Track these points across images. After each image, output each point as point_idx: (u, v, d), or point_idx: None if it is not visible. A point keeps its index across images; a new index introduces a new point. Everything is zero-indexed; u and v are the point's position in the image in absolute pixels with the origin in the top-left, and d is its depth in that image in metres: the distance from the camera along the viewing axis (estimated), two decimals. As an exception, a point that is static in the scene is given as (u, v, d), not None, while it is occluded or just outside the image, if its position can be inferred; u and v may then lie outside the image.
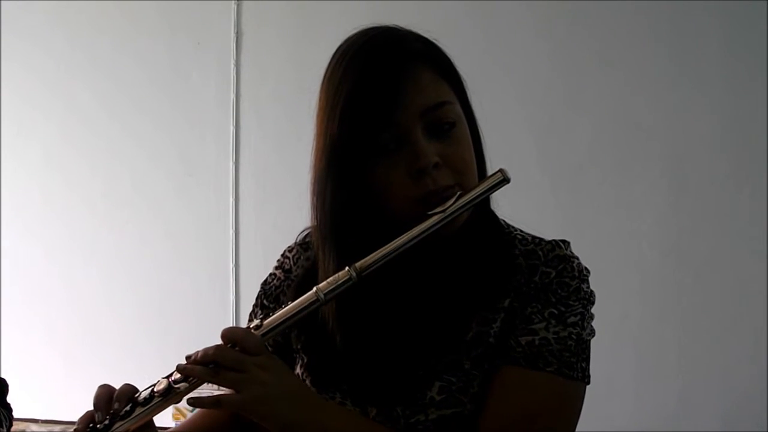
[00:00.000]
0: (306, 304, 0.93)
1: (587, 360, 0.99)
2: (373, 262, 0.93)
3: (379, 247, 0.93)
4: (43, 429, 2.85)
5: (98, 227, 3.12)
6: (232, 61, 3.01)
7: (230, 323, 2.89)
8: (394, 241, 0.93)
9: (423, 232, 0.93)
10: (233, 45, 3.01)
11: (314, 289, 0.93)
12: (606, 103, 2.71)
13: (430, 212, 0.94)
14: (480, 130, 1.02)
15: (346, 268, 0.93)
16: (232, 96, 3.01)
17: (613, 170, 2.71)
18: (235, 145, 3.00)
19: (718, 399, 2.61)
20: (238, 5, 3.01)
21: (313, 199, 1.01)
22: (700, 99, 2.64)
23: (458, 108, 0.98)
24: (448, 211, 0.93)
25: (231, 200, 3.00)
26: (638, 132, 2.69)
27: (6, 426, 1.37)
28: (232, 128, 3.01)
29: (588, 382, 0.99)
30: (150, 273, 3.07)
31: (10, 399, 1.43)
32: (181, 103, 3.07)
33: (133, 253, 3.09)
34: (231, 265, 2.99)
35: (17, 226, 3.19)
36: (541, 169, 2.65)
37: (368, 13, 2.74)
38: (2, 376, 1.45)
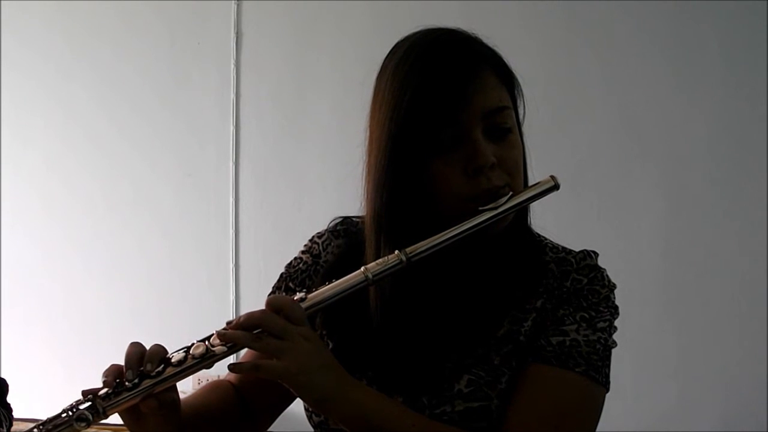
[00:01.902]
0: (353, 282, 0.95)
1: (609, 367, 1.01)
2: (424, 249, 0.95)
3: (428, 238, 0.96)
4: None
5: (98, 228, 3.11)
6: (232, 61, 3.01)
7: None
8: (446, 232, 0.96)
9: (474, 226, 0.96)
10: (233, 45, 3.01)
11: (362, 268, 0.95)
12: (606, 105, 2.71)
13: (482, 208, 0.96)
14: (525, 140, 1.04)
15: (396, 251, 0.95)
16: (232, 96, 3.01)
17: (613, 172, 2.71)
18: (234, 145, 3.00)
19: (718, 399, 2.61)
20: (238, 5, 3.01)
21: (369, 189, 1.02)
22: (700, 100, 2.65)
23: (514, 114, 1.01)
24: (500, 209, 0.96)
25: (231, 200, 3.00)
26: (638, 133, 2.69)
27: (6, 426, 1.36)
28: (232, 128, 3.01)
29: (608, 389, 1.01)
30: (149, 273, 3.07)
31: (10, 399, 1.43)
32: (181, 103, 3.06)
33: (132, 253, 3.08)
34: (231, 265, 2.99)
35: (17, 226, 3.18)
36: (541, 170, 2.64)
37: (367, 13, 2.76)
38: (2, 376, 1.45)
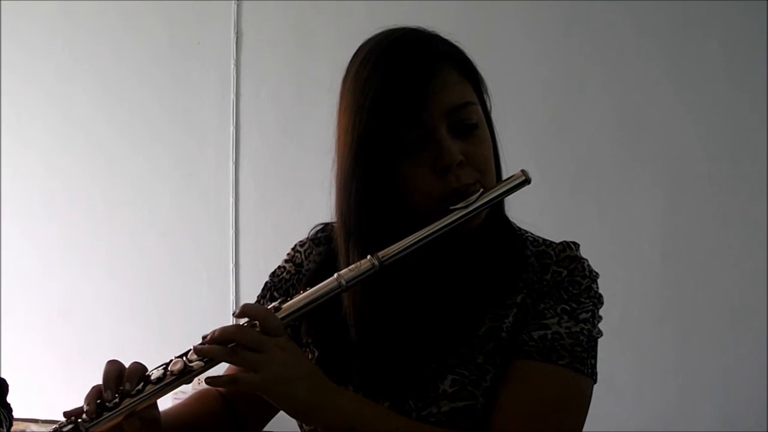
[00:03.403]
0: (326, 289, 0.94)
1: (595, 358, 1.00)
2: (396, 252, 0.94)
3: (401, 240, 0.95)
4: (43, 429, 2.85)
5: (98, 228, 3.12)
6: (232, 61, 3.01)
7: (230, 323, 2.88)
8: (417, 233, 0.95)
9: (445, 226, 0.95)
10: (233, 45, 3.01)
11: (335, 275, 0.94)
12: (606, 104, 2.71)
13: (452, 207, 0.95)
14: (496, 133, 1.03)
15: (368, 256, 0.94)
16: (232, 96, 3.01)
17: (613, 171, 2.71)
18: (234, 145, 3.01)
19: (718, 399, 2.61)
20: (238, 5, 3.01)
21: (337, 194, 1.02)
22: (700, 100, 2.65)
23: (480, 109, 1.00)
24: (471, 207, 0.95)
25: (231, 200, 3.00)
26: (638, 133, 2.69)
27: (6, 426, 1.37)
28: (232, 128, 3.01)
29: (595, 380, 1.00)
30: (149, 273, 3.07)
31: (10, 399, 1.43)
32: (181, 103, 3.07)
33: (132, 254, 3.09)
34: (231, 265, 2.99)
35: (17, 228, 3.18)
36: (541, 169, 2.65)
37: (367, 14, 2.76)
38: (2, 376, 1.45)
